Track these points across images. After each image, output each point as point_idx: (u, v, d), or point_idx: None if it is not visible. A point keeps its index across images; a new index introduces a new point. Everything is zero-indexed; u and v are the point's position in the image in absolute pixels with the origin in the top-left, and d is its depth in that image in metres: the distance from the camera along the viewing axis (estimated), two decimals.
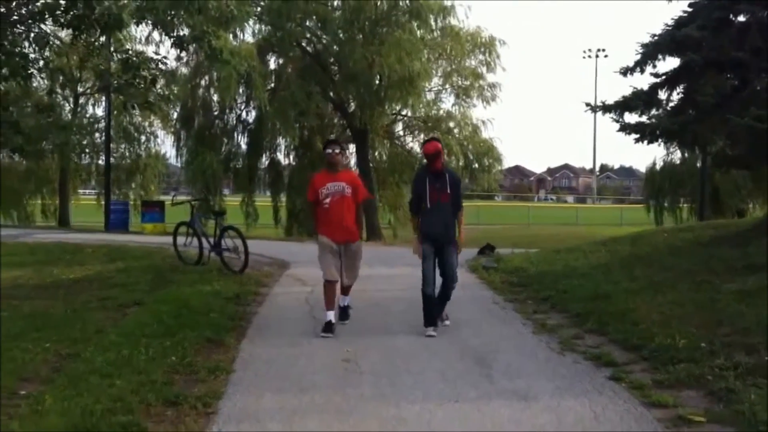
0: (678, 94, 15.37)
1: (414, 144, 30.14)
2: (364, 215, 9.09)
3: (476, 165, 29.60)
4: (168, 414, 5.22)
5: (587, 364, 6.82)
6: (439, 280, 8.24)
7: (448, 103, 30.02)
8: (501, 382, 6.02)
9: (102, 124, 30.95)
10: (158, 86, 16.25)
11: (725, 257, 11.50)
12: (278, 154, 30.23)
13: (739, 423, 5.06)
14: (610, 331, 7.93)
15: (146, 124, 34.01)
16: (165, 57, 19.23)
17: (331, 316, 8.06)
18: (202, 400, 5.50)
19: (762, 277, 9.49)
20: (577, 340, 7.75)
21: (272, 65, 28.68)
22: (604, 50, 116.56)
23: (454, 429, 4.99)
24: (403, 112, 29.31)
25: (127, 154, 34.30)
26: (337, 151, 8.52)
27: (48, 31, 14.18)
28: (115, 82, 15.88)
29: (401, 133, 30.66)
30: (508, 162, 39.68)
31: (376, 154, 29.78)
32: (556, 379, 6.24)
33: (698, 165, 30.47)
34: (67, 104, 32.89)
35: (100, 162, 33.09)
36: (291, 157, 30.09)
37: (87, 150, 32.65)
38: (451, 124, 29.25)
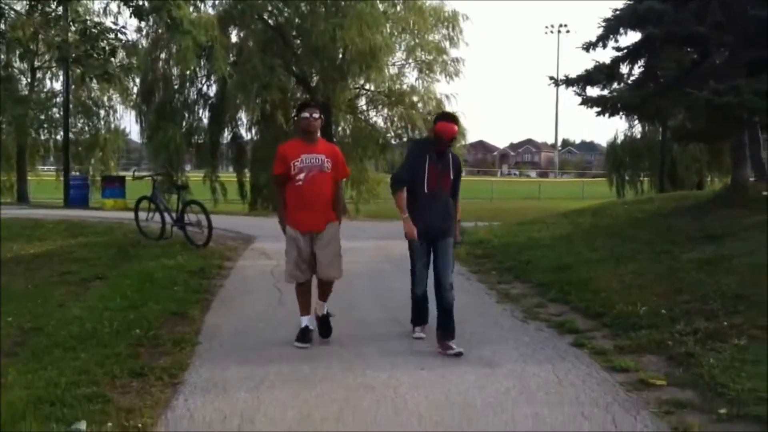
0: (639, 68, 15.58)
1: (377, 118, 30.07)
2: (342, 195, 7.17)
3: None
4: (134, 385, 5.20)
5: (550, 331, 6.93)
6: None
7: (411, 77, 29.91)
8: (466, 350, 6.07)
9: (60, 99, 30.38)
10: (117, 58, 15.91)
11: (684, 228, 11.71)
12: (241, 128, 29.96)
13: (699, 386, 5.18)
14: (573, 300, 8.05)
15: (105, 98, 33.40)
16: (124, 27, 18.89)
17: (307, 321, 6.50)
18: (167, 371, 5.48)
19: (720, 246, 9.69)
20: (540, 309, 7.86)
21: (234, 39, 28.33)
22: (566, 26, 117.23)
23: (420, 395, 5.04)
24: (366, 87, 29.17)
25: (86, 129, 33.69)
26: (316, 115, 6.49)
27: (4, 1, 13.83)
28: (73, 54, 15.57)
29: (364, 107, 30.51)
30: (471, 137, 39.80)
31: (339, 128, 29.64)
32: (520, 347, 6.33)
33: (659, 139, 30.88)
34: (23, 78, 32.21)
35: (58, 137, 32.47)
36: (253, 132, 29.82)
37: (45, 125, 32.02)
38: (415, 99, 29.17)
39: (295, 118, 7.54)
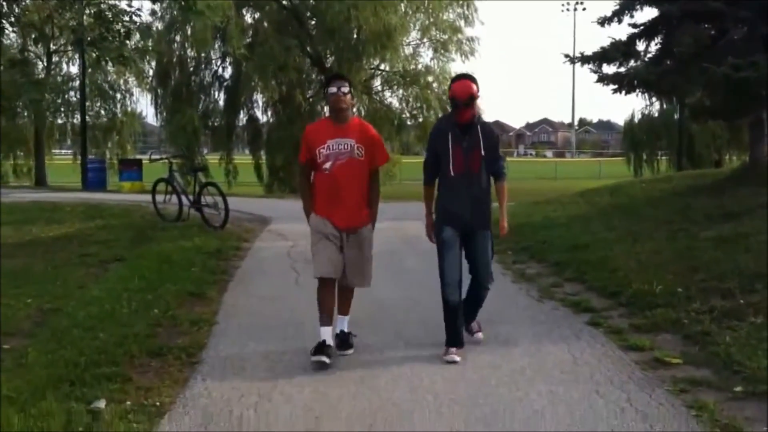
0: (656, 44, 15.42)
1: (392, 99, 30.01)
2: (379, 190, 5.84)
3: None
4: (152, 365, 5.26)
5: (566, 310, 6.93)
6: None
7: (426, 57, 29.84)
8: (482, 328, 6.09)
9: (76, 82, 30.51)
10: (132, 41, 15.98)
11: (702, 206, 11.63)
12: (256, 110, 30.02)
13: (715, 364, 5.17)
14: (589, 279, 8.04)
15: (121, 81, 33.53)
16: (138, 10, 18.91)
17: (327, 334, 5.45)
18: (186, 350, 5.55)
19: (737, 224, 9.62)
20: (556, 288, 7.86)
21: (248, 20, 28.32)
22: (582, 2, 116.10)
23: (436, 373, 5.07)
24: (381, 67, 29.12)
25: (103, 112, 33.85)
26: (346, 89, 5.49)
27: None
28: (89, 37, 15.63)
29: (380, 88, 30.48)
30: (487, 117, 39.61)
31: (354, 109, 29.60)
32: (536, 326, 6.34)
33: (676, 117, 30.65)
34: (40, 62, 32.34)
35: (75, 121, 32.67)
36: (269, 113, 29.87)
37: (62, 108, 32.23)
38: (430, 79, 29.09)
39: (323, 95, 6.78)
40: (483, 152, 5.46)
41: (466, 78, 5.54)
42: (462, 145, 5.44)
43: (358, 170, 5.50)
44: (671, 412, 4.32)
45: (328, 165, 5.45)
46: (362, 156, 5.49)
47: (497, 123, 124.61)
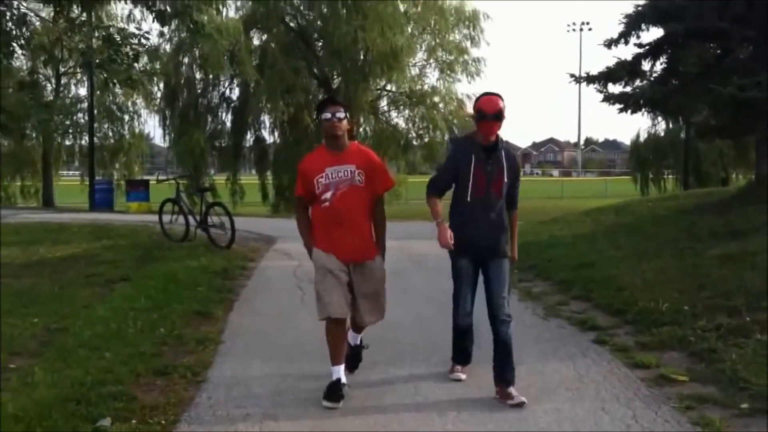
0: (661, 64, 15.48)
1: (399, 119, 30.12)
2: (385, 217, 5.39)
3: None
4: (158, 383, 5.27)
5: (572, 328, 6.92)
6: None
7: (432, 78, 29.96)
8: (487, 348, 6.07)
9: (85, 104, 30.71)
10: (140, 63, 16.11)
11: (708, 224, 11.63)
12: (263, 131, 30.16)
13: (721, 381, 5.17)
14: (595, 297, 8.04)
15: (129, 103, 33.72)
16: (147, 33, 19.09)
17: (340, 372, 5.02)
18: (191, 369, 5.56)
19: (744, 242, 9.61)
20: (561, 307, 7.86)
21: (256, 41, 28.51)
22: (588, 23, 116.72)
23: (441, 392, 5.07)
24: (388, 88, 29.25)
25: (111, 133, 34.02)
26: (341, 115, 5.06)
27: (28, 8, 14.05)
28: (98, 59, 15.78)
29: (386, 108, 30.59)
30: None
31: (361, 130, 29.72)
32: (542, 343, 6.34)
33: (682, 135, 30.66)
34: (49, 84, 32.59)
35: (83, 142, 32.87)
36: (276, 134, 30.00)
37: (70, 130, 32.42)
38: (436, 99, 29.20)
39: (317, 120, 6.25)
40: (506, 178, 5.18)
41: (494, 94, 5.20)
42: (486, 169, 5.13)
43: (361, 198, 5.07)
44: (677, 429, 4.32)
45: (328, 195, 5.01)
46: (363, 182, 5.07)
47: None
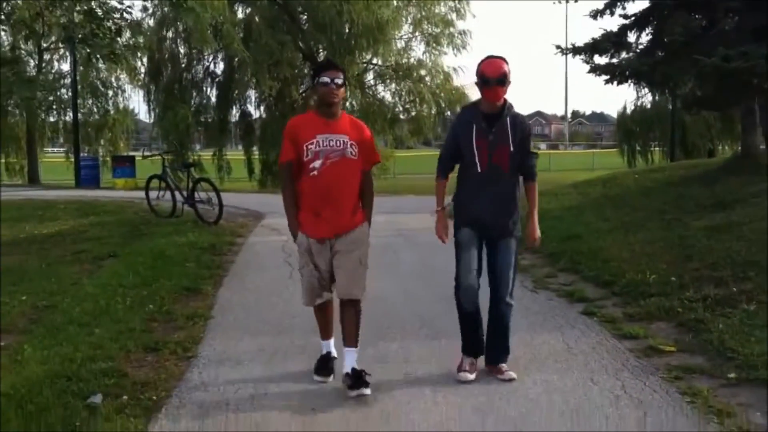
0: (647, 35, 15.46)
1: (385, 93, 30.02)
2: (373, 192, 5.02)
3: (449, 113, 29.55)
4: (148, 359, 5.27)
5: (560, 300, 6.97)
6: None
7: (418, 51, 29.84)
8: None
9: (68, 80, 30.42)
10: (123, 37, 15.94)
11: (694, 196, 11.69)
12: (249, 106, 30.00)
13: (708, 351, 5.22)
14: (583, 270, 8.08)
15: (113, 78, 33.40)
16: (129, 7, 18.88)
17: (330, 346, 5.02)
18: (181, 345, 5.56)
19: (730, 213, 9.67)
20: (550, 279, 7.91)
21: (240, 15, 28.28)
22: None
23: (431, 364, 5.09)
24: (374, 61, 29.12)
25: (95, 109, 33.72)
26: (339, 81, 4.67)
27: None
28: (80, 34, 15.60)
29: (372, 82, 30.47)
30: None
31: (347, 104, 29.63)
32: (530, 316, 6.37)
33: (668, 107, 30.70)
34: (31, 60, 32.21)
35: (67, 119, 32.56)
36: (262, 109, 29.85)
37: (54, 106, 32.11)
38: (423, 72, 29.11)
39: (312, 85, 5.22)
40: (512, 148, 4.71)
41: (498, 57, 4.73)
42: (488, 139, 4.69)
43: (352, 171, 4.71)
44: (665, 399, 4.35)
45: (317, 164, 4.60)
46: (356, 155, 4.70)
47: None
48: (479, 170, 4.71)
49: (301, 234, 4.77)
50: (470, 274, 4.80)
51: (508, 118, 4.73)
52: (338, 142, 4.67)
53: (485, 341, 4.94)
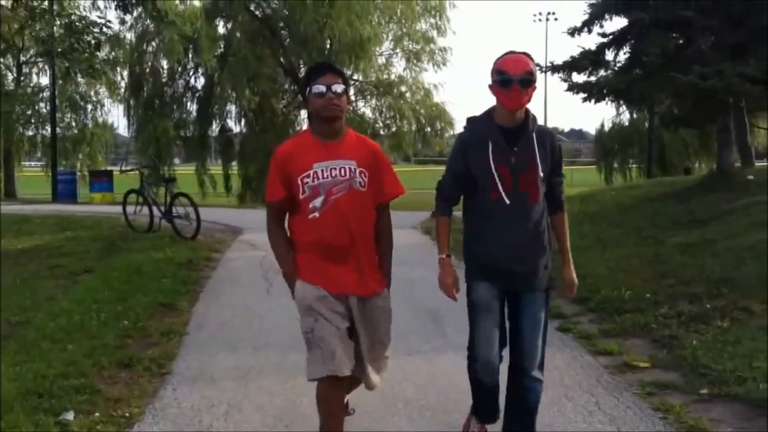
0: (624, 53, 15.67)
1: (366, 109, 30.11)
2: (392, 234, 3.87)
3: (429, 129, 29.72)
4: (122, 376, 5.23)
5: None
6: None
7: (399, 67, 29.99)
8: (453, 336, 6.11)
9: (47, 94, 30.29)
10: (103, 52, 15.91)
11: (670, 213, 11.81)
12: (229, 120, 29.98)
13: (682, 367, 5.26)
14: (559, 285, 8.09)
15: (92, 92, 33.29)
16: (109, 21, 18.83)
17: None
18: (156, 361, 5.51)
19: (704, 230, 9.77)
20: None
21: (221, 30, 28.31)
22: (554, 13, 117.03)
23: (407, 380, 5.09)
24: (355, 77, 29.20)
25: (74, 123, 33.57)
26: (340, 89, 3.52)
27: None
28: (60, 48, 15.55)
29: (353, 98, 30.49)
30: (460, 127, 39.84)
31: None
32: None
33: (646, 125, 31.03)
34: (9, 74, 32.05)
35: (45, 132, 32.41)
36: (242, 124, 29.84)
37: (32, 120, 31.95)
38: (403, 89, 29.26)
39: (304, 96, 3.77)
40: (541, 173, 3.55)
41: (521, 53, 3.56)
42: (510, 161, 3.53)
43: (363, 207, 3.59)
44: (638, 415, 4.38)
45: (317, 203, 3.51)
46: (364, 185, 3.58)
47: (468, 120, 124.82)
48: (499, 202, 3.52)
49: (300, 283, 3.58)
50: (492, 349, 3.70)
51: (534, 133, 3.58)
52: (343, 171, 3.52)
53: (503, 426, 3.90)
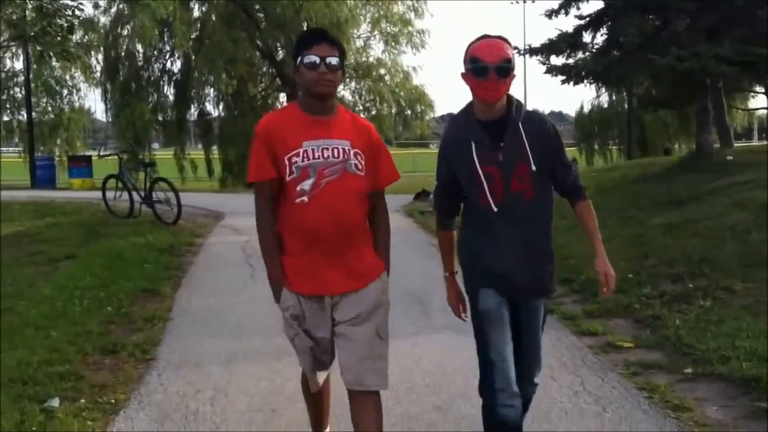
0: (602, 35, 15.72)
1: (345, 92, 29.97)
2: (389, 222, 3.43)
3: (409, 112, 29.65)
4: (106, 362, 5.21)
5: None
6: None
7: (377, 50, 29.82)
8: (437, 318, 6.14)
9: (21, 78, 29.91)
10: (77, 35, 15.70)
11: (651, 194, 11.88)
12: (208, 104, 29.72)
13: (665, 347, 5.30)
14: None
15: (68, 77, 32.86)
16: (81, 4, 18.58)
17: None
18: (140, 347, 5.50)
19: (685, 210, 9.84)
20: None
21: (196, 13, 28.01)
22: None
23: (392, 363, 5.05)
24: None
25: (50, 108, 33.16)
26: (335, 62, 3.08)
27: None
28: (31, 32, 15.35)
29: None
30: (440, 109, 39.82)
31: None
32: None
33: (626, 106, 31.15)
34: None
35: (21, 118, 32.01)
36: (221, 107, 29.60)
37: (7, 105, 31.55)
38: (382, 71, 29.13)
39: (295, 66, 3.14)
40: (533, 166, 3.07)
41: (497, 37, 3.10)
42: (497, 160, 3.07)
43: (358, 194, 3.15)
44: (623, 395, 4.41)
45: (306, 185, 3.06)
46: (362, 170, 3.15)
47: (450, 115, 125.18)
48: (492, 205, 3.08)
49: (286, 293, 3.19)
50: (508, 368, 3.13)
51: (520, 123, 3.10)
52: (336, 151, 3.11)
53: None
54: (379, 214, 3.33)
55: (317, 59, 3.05)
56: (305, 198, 3.06)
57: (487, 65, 3.00)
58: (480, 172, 3.06)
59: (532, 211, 3.15)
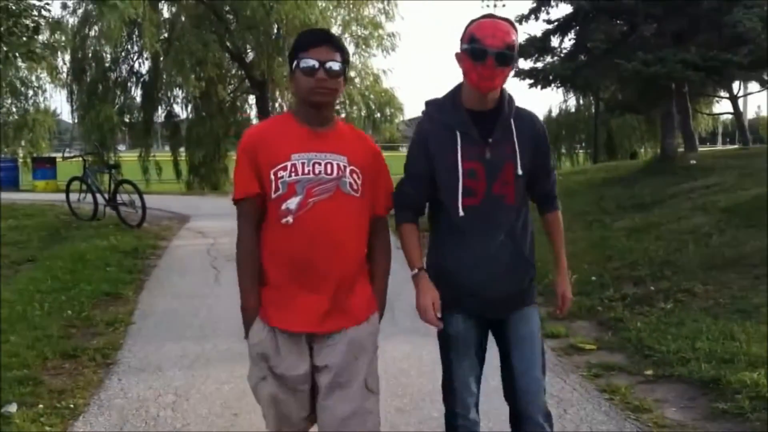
0: (570, 40, 15.86)
1: None
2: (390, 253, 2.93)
3: (378, 115, 29.66)
4: (66, 367, 5.14)
5: None
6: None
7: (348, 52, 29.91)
8: (403, 322, 6.12)
9: None
10: (43, 36, 15.52)
11: (615, 197, 12.01)
12: (175, 106, 29.49)
13: (627, 349, 5.37)
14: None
15: (33, 77, 32.44)
16: (48, 4, 18.32)
17: None
18: (100, 351, 5.44)
19: (648, 214, 9.95)
20: None
21: (165, 14, 27.81)
22: None
23: None
24: None
25: (14, 109, 32.71)
26: (337, 67, 2.68)
27: None
28: None
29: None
30: (410, 112, 39.88)
31: (277, 105, 29.42)
32: None
33: (593, 110, 31.43)
34: None
35: None
36: (189, 109, 29.39)
37: None
38: (352, 74, 29.09)
39: (290, 71, 2.75)
40: (520, 169, 2.77)
41: (502, 19, 2.76)
42: (484, 156, 2.75)
43: (351, 216, 2.72)
44: (585, 397, 4.45)
45: (292, 204, 2.65)
46: (358, 191, 2.73)
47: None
48: (471, 207, 2.75)
49: (257, 324, 2.74)
50: (470, 396, 2.96)
51: (512, 119, 2.80)
52: (329, 167, 2.70)
53: None
54: (379, 245, 2.88)
55: (315, 63, 2.66)
56: (290, 218, 2.64)
57: (487, 49, 2.63)
58: (461, 167, 2.72)
59: (511, 216, 2.81)
